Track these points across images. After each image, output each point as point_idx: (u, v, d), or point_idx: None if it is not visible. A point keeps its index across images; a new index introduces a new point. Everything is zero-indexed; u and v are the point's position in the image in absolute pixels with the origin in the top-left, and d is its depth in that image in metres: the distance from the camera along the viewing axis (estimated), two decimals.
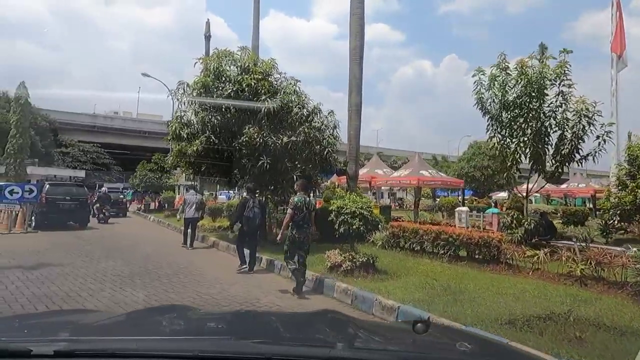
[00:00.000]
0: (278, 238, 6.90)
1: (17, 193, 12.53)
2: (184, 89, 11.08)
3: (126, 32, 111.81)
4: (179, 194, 24.79)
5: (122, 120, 51.13)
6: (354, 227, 7.29)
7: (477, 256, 8.91)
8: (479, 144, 37.72)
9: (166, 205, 22.57)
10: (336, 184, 16.95)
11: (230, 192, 28.93)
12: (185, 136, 10.94)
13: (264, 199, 9.95)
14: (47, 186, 13.83)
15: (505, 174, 10.65)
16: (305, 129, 9.71)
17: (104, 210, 16.73)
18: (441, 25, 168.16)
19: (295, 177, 9.62)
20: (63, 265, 7.70)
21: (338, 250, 7.84)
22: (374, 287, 6.40)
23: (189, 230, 11.08)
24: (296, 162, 9.91)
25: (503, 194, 35.09)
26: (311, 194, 13.36)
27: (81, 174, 39.59)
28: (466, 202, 26.82)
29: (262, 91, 9.73)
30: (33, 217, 13.58)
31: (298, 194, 6.72)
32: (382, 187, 25.40)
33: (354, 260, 7.28)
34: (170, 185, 25.47)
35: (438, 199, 34.72)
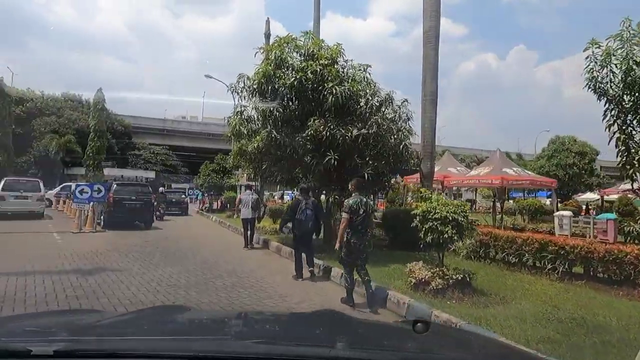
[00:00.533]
0: (336, 247, 6.03)
1: (87, 193, 12.70)
2: (244, 82, 10.33)
3: (192, 42, 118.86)
4: (239, 194, 24.73)
5: (188, 124, 53.48)
6: (446, 235, 5.89)
7: (600, 275, 7.04)
8: (562, 140, 33.72)
9: (228, 205, 22.49)
10: (402, 184, 15.46)
11: (295, 192, 28.50)
12: (245, 132, 10.19)
13: (331, 199, 8.82)
14: (115, 186, 13.97)
15: (630, 171, 8.48)
16: (379, 120, 8.43)
17: (159, 208, 16.87)
18: (507, 15, 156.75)
19: (366, 175, 8.39)
20: (119, 270, 7.19)
21: (422, 263, 6.47)
22: (478, 315, 4.98)
23: (248, 232, 10.94)
24: (367, 159, 8.68)
25: (592, 195, 30.93)
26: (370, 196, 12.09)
27: (151, 174, 41.71)
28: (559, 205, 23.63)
29: (329, 78, 8.61)
30: (102, 217, 13.76)
31: (353, 194, 5.93)
32: (454, 188, 23.19)
33: (446, 277, 5.87)
34: (231, 185, 25.48)
35: (511, 201, 31.42)
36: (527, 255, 8.01)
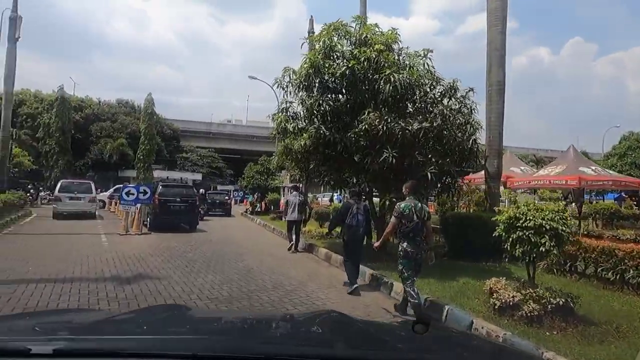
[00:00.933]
0: (375, 246, 5.56)
1: (133, 195, 12.57)
2: (289, 76, 9.60)
3: (236, 48, 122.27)
4: (283, 196, 24.23)
5: (233, 126, 54.34)
6: (542, 248, 4.72)
7: None
8: (636, 136, 30.25)
9: (272, 207, 22.06)
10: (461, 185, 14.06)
11: (343, 195, 27.57)
12: (291, 130, 9.45)
13: (388, 202, 7.83)
14: (160, 188, 13.81)
15: None
16: (445, 110, 7.33)
17: (199, 209, 16.73)
18: (561, 7, 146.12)
19: (429, 174, 7.31)
20: (159, 278, 6.65)
21: (505, 280, 5.33)
22: (597, 355, 3.81)
23: (293, 234, 10.63)
24: (429, 156, 7.61)
25: None
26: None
27: (198, 176, 42.79)
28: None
29: (386, 65, 7.63)
30: (148, 219, 13.64)
31: (407, 198, 5.41)
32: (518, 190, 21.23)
33: (543, 300, 4.69)
34: (275, 187, 25.10)
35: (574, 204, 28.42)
36: (631, 271, 6.56)
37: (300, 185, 16.63)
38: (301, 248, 10.75)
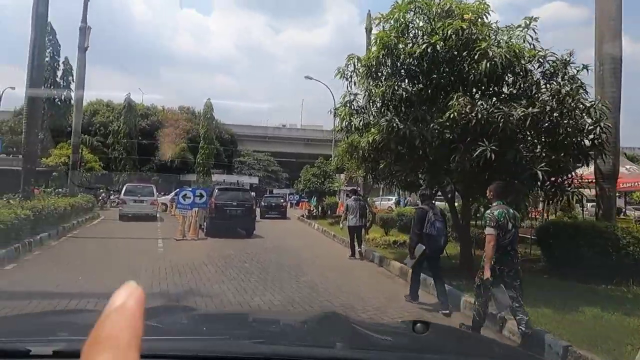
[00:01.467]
0: (484, 276, 4.37)
1: (189, 198, 12.11)
2: (354, 65, 8.44)
3: (291, 55, 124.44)
4: (339, 200, 23.16)
5: (288, 130, 54.49)
6: None
7: None
8: None
9: (329, 211, 21.04)
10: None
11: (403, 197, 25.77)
12: (357, 125, 8.25)
13: (482, 208, 6.34)
14: (216, 191, 13.27)
15: None
16: (562, 90, 5.71)
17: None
18: None
19: (539, 173, 5.73)
20: (211, 296, 5.77)
21: None
22: None
23: (355, 242, 10.03)
24: (538, 149, 6.02)
25: None
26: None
27: (255, 180, 43.19)
28: None
29: (480, 37, 6.17)
30: (205, 223, 13.16)
31: (495, 204, 4.61)
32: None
33: None
34: (332, 190, 24.04)
35: None
36: None
37: (358, 188, 15.39)
38: (366, 258, 9.66)
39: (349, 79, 8.68)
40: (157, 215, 18.63)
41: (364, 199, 12.94)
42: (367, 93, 8.30)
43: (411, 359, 1.43)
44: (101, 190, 29.55)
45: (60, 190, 20.50)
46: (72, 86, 26.49)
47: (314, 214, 24.62)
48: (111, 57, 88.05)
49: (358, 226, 10.00)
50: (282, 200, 24.96)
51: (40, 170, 27.20)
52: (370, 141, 7.60)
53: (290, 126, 60.55)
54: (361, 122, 8.34)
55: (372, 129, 7.71)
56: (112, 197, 29.11)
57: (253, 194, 15.20)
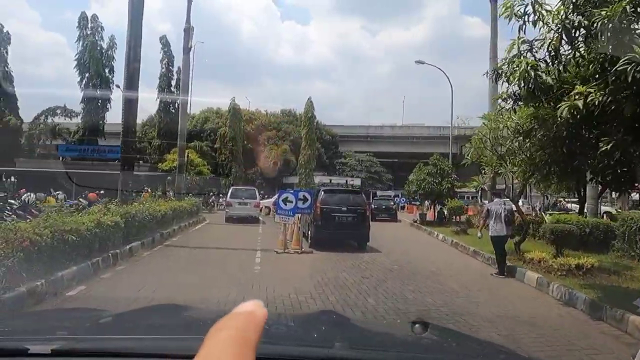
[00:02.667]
0: None
1: (291, 202, 10.02)
2: None
3: (388, 55, 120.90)
4: (470, 204, 19.31)
5: (390, 128, 50.99)
6: None
7: None
8: None
9: (455, 217, 17.42)
10: None
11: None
12: (550, 83, 5.08)
13: None
14: (322, 194, 10.97)
15: None
16: None
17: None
18: None
19: None
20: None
21: None
22: None
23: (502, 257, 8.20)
24: None
25: None
26: None
27: (357, 182, 40.97)
28: None
29: None
30: (309, 231, 10.98)
31: None
32: None
33: None
34: (453, 192, 20.26)
35: None
36: None
37: (504, 187, 11.80)
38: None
39: (526, 18, 5.56)
40: (260, 218, 18.98)
41: (509, 202, 9.77)
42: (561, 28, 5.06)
43: (409, 359, 1.43)
44: (211, 194, 30.35)
45: (169, 193, 20.78)
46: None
47: (430, 219, 21.21)
48: (220, 72, 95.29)
49: (505, 236, 8.30)
50: (392, 203, 23.70)
51: (157, 175, 29.09)
52: (582, 105, 4.40)
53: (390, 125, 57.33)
54: (554, 79, 5.14)
55: (580, 87, 4.50)
56: (220, 200, 29.60)
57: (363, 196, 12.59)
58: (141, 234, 9.90)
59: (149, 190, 20.66)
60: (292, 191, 11.40)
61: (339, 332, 1.62)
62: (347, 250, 10.46)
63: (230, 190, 19.70)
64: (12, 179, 26.80)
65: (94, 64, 28.36)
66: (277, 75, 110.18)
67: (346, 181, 18.37)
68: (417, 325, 1.49)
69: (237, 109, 33.64)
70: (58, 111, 30.97)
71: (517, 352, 2.14)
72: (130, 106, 10.91)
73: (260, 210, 25.46)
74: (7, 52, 30.42)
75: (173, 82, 32.85)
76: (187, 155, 20.50)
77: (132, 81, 11.11)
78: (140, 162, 29.00)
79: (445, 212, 18.69)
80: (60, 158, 28.37)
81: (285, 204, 10.06)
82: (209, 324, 1.19)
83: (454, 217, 17.45)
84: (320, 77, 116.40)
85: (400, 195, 37.23)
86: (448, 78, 25.32)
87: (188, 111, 46.32)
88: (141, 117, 35.65)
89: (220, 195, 30.94)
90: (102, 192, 13.91)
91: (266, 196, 30.57)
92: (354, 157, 44.98)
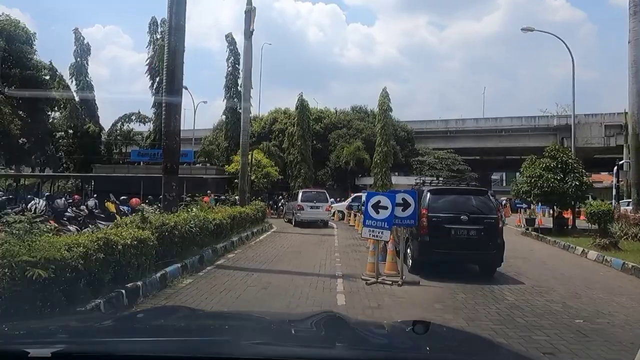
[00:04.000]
0: None
1: (386, 209, 6.82)
2: None
3: (457, 49, 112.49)
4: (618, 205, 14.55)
5: (474, 121, 45.22)
6: None
7: None
8: None
9: (569, 223, 12.87)
10: None
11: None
12: None
13: None
14: (429, 196, 7.55)
15: None
16: None
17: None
18: None
19: None
20: None
21: None
22: None
23: None
24: None
25: None
26: None
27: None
28: None
29: None
30: (409, 251, 7.70)
31: None
32: None
33: None
34: (581, 191, 15.51)
35: None
36: None
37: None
38: None
39: None
40: (332, 223, 18.23)
41: None
42: None
43: (410, 358, 1.41)
44: (280, 197, 28.34)
45: (231, 197, 18.81)
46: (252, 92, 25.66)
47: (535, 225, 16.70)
48: (287, 78, 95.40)
49: None
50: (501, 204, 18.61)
51: (225, 178, 27.83)
52: None
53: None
54: None
55: None
56: (280, 204, 27.35)
57: (494, 199, 8.97)
58: (186, 251, 7.47)
59: (212, 194, 18.85)
60: (383, 194, 8.21)
61: (339, 333, 1.60)
62: (469, 279, 7.02)
63: (300, 194, 18.65)
64: (92, 184, 27.27)
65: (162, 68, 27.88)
66: (344, 78, 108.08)
67: (459, 179, 15.29)
68: (418, 325, 1.47)
69: (306, 104, 31.20)
70: (133, 117, 31.19)
71: (518, 352, 1.92)
72: (170, 109, 8.85)
73: (333, 215, 22.77)
74: (87, 63, 31.38)
75: (240, 82, 31.50)
76: (252, 156, 18.32)
77: (172, 81, 9.29)
78: (207, 164, 27.87)
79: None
80: (136, 163, 28.26)
81: (377, 212, 6.89)
82: (207, 326, 1.73)
83: (595, 224, 12.83)
84: (388, 77, 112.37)
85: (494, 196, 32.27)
86: (568, 47, 20.31)
87: (257, 112, 45.69)
88: (212, 122, 35.25)
89: (282, 197, 28.55)
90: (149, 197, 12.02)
91: (337, 199, 27.76)
92: (433, 154, 40.42)
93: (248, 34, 16.22)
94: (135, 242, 5.55)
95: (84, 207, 12.41)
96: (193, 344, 1.34)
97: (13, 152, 24.64)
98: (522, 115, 43.73)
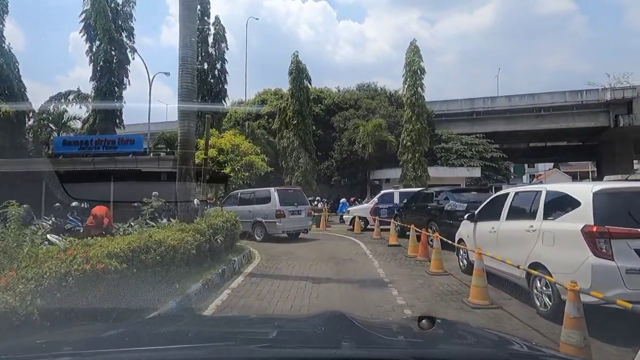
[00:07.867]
0: None
1: None
2: None
3: (451, 44, 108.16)
4: None
5: (506, 99, 37.57)
6: None
7: None
8: None
9: None
10: None
11: None
12: None
13: None
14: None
15: None
16: None
17: None
18: None
19: None
20: None
21: None
22: None
23: None
24: None
25: None
26: None
27: (476, 172, 29.02)
28: None
29: None
30: None
31: None
32: None
33: None
34: None
35: None
36: None
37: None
38: None
39: None
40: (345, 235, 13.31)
41: None
42: None
43: (417, 355, 1.38)
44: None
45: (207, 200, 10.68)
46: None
47: None
48: (282, 78, 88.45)
49: None
50: None
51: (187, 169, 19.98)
52: None
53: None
54: None
55: None
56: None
57: None
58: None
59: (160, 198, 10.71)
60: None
61: (344, 332, 1.58)
62: None
63: (275, 194, 12.41)
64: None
65: (101, 23, 19.87)
66: (338, 76, 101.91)
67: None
68: (423, 321, 1.47)
69: (303, 67, 23.23)
70: (70, 97, 23.20)
71: (525, 343, 1.86)
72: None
73: (350, 224, 15.14)
74: (3, 22, 23.18)
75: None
76: (209, 124, 10.30)
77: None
78: (163, 153, 19.72)
79: None
80: (61, 156, 19.44)
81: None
82: (213, 331, 1.63)
83: None
84: (382, 74, 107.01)
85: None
86: None
87: (243, 98, 37.75)
88: None
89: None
90: None
91: (354, 199, 20.01)
92: (460, 140, 32.79)
93: None
94: None
95: None
96: (199, 350, 1.32)
97: None
98: (565, 90, 36.23)
